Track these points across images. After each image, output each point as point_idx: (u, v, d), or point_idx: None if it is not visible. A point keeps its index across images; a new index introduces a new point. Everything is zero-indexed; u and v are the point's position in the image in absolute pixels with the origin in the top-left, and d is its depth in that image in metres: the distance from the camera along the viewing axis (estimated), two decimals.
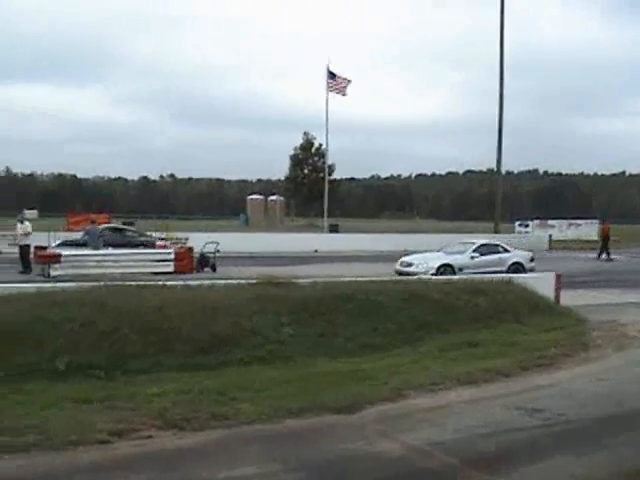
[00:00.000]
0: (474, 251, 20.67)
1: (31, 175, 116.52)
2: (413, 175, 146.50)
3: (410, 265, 19.85)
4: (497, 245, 21.89)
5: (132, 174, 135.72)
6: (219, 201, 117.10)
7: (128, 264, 19.54)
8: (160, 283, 12.35)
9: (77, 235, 25.63)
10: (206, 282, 12.82)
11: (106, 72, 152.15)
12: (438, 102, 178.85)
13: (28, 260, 20.91)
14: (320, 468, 6.19)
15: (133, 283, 12.29)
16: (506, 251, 21.42)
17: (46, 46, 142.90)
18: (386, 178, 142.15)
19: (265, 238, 37.04)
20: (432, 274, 18.23)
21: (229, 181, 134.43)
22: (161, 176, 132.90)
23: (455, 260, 20.10)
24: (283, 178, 79.39)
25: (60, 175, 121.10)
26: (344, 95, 42.16)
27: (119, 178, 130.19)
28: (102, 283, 11.84)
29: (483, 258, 20.45)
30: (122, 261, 19.53)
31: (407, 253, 22.10)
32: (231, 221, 68.02)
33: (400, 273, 18.95)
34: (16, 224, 22.61)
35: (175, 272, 20.26)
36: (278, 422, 7.39)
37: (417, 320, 11.76)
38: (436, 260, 20.09)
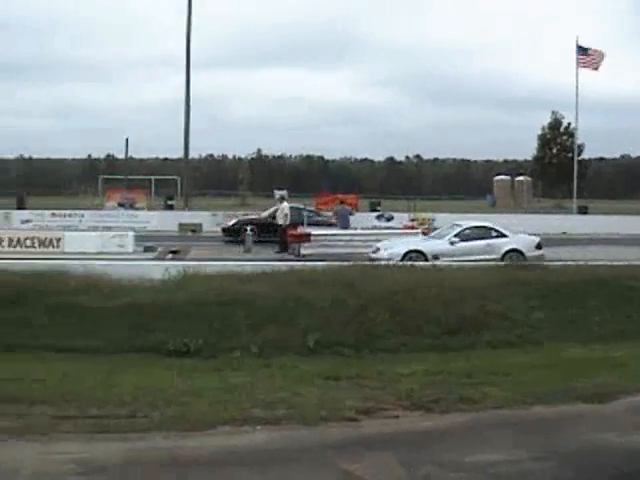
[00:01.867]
0: (456, 235, 18.13)
1: (281, 157, 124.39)
2: None
3: (377, 250, 18.11)
4: (490, 229, 18.79)
5: (378, 155, 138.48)
6: (464, 182, 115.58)
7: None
8: (409, 264, 12.64)
9: (327, 214, 26.84)
10: (454, 264, 12.87)
11: (353, 56, 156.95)
12: None
13: (285, 240, 22.20)
14: (569, 457, 5.90)
15: (382, 262, 12.74)
16: (501, 236, 18.39)
17: (299, 32, 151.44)
18: (638, 157, 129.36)
19: (511, 219, 35.88)
20: (398, 261, 16.15)
21: (475, 161, 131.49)
22: (406, 157, 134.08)
23: (428, 246, 17.89)
24: (530, 158, 76.25)
25: (308, 157, 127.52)
26: (596, 69, 39.34)
27: (365, 159, 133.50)
28: (351, 262, 12.38)
29: (465, 244, 17.80)
30: (370, 241, 20.13)
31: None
32: (476, 202, 66.87)
33: (370, 259, 17.14)
34: (276, 204, 24.43)
35: None
36: (526, 408, 7.20)
37: None
38: (404, 245, 18.12)
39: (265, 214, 26.57)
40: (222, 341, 9.58)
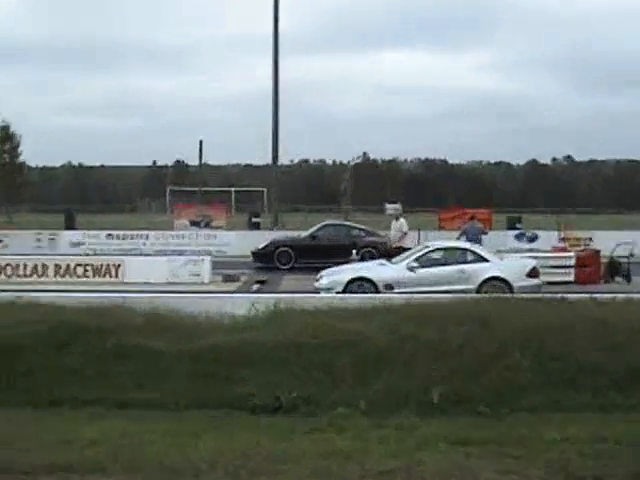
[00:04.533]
0: (417, 260, 17.77)
1: (393, 161, 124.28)
2: None
3: (320, 278, 18.22)
4: (465, 250, 18.38)
5: (517, 157, 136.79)
6: (630, 189, 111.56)
7: None
8: (559, 296, 12.49)
9: (450, 234, 26.74)
10: (620, 295, 12.75)
11: (484, 32, 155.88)
12: None
13: None
14: None
15: (523, 295, 12.62)
16: (480, 259, 17.80)
17: (413, 6, 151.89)
18: None
19: None
20: (338, 292, 16.49)
21: None
22: (554, 159, 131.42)
23: (379, 273, 17.73)
24: None
25: (427, 160, 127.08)
26: None
27: (500, 163, 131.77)
28: (485, 294, 12.37)
29: (428, 271, 17.49)
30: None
31: None
32: None
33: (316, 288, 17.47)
34: (391, 222, 24.79)
35: (577, 282, 20.32)
36: None
37: None
38: (348, 272, 18.32)
39: (307, 234, 27.79)
40: (322, 394, 9.68)
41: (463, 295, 13.63)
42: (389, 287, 17.26)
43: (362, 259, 23.02)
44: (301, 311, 11.68)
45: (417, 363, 10.01)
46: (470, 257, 18.29)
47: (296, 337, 10.54)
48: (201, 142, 40.84)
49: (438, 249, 18.68)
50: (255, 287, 21.19)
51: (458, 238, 24.12)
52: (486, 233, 25.27)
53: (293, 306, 12.00)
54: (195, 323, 11.37)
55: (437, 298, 12.73)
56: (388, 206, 39.84)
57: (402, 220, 24.13)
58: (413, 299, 12.46)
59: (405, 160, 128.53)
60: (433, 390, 9.55)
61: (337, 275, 18.25)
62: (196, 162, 43.73)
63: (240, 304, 12.36)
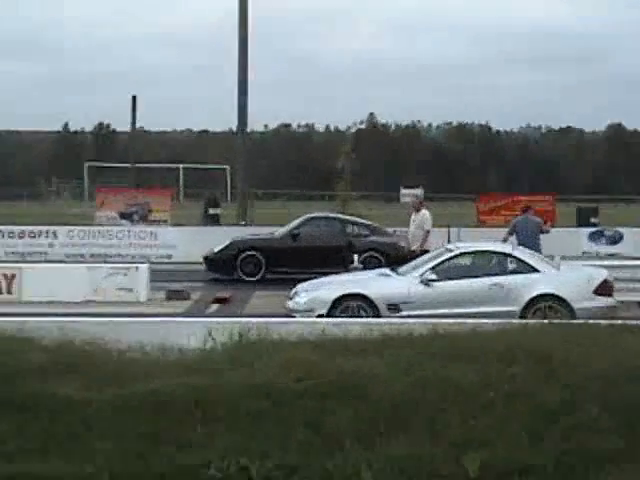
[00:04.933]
0: (434, 268, 17.93)
1: (412, 127, 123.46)
2: None
3: (294, 296, 18.37)
4: (504, 255, 18.40)
5: (592, 122, 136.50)
6: None
7: None
8: None
9: (493, 233, 26.75)
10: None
11: None
12: None
13: None
14: None
15: (601, 322, 12.68)
16: (526, 269, 17.92)
17: None
18: None
19: None
20: (321, 315, 16.75)
21: None
22: None
23: (380, 288, 17.93)
24: None
25: (460, 126, 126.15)
26: None
27: (567, 129, 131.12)
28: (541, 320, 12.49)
29: (450, 284, 17.64)
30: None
31: None
32: None
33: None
34: (411, 214, 24.82)
35: None
36: None
37: None
38: (336, 286, 18.34)
39: (283, 231, 28.28)
40: (310, 463, 9.65)
41: (511, 321, 13.69)
42: (394, 308, 17.36)
43: (364, 268, 23.04)
44: (279, 342, 11.71)
45: (446, 418, 10.00)
46: (511, 265, 18.27)
47: (272, 380, 10.52)
48: (134, 98, 40.75)
49: (464, 254, 18.73)
50: (213, 308, 21.18)
51: (505, 240, 24.05)
52: (547, 231, 25.29)
53: (268, 335, 12.02)
54: (126, 360, 11.36)
55: (474, 324, 12.82)
56: (405, 192, 39.81)
57: (424, 212, 24.11)
58: (439, 325, 12.48)
59: (429, 126, 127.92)
60: (468, 458, 9.55)
61: (319, 291, 18.30)
62: (127, 127, 43.59)
63: (192, 332, 12.36)
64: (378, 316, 16.83)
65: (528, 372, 10.65)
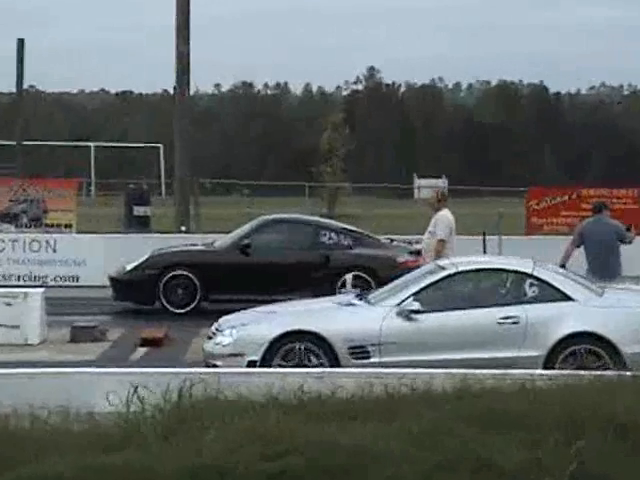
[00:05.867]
0: (417, 294, 17.87)
1: (430, 86, 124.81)
2: None
3: (216, 334, 18.74)
4: (521, 276, 18.16)
5: None
6: None
7: None
8: None
9: (549, 243, 26.92)
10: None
11: None
12: None
13: None
14: None
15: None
16: (554, 296, 17.77)
17: None
18: None
19: None
20: (252, 363, 17.04)
21: None
22: None
23: (340, 322, 18.18)
24: None
25: (500, 86, 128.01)
26: None
27: None
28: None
29: (441, 317, 17.66)
30: None
31: None
32: None
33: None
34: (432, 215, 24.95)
35: None
36: None
37: None
38: (276, 320, 18.64)
39: (229, 240, 28.89)
40: None
41: (571, 372, 13.69)
42: (359, 352, 17.34)
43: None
44: (237, 403, 11.70)
45: None
46: (532, 290, 18.22)
47: (227, 460, 10.51)
48: (21, 42, 40.76)
49: (462, 273, 18.70)
50: (140, 353, 21.26)
51: (568, 255, 24.03)
52: (630, 240, 25.36)
53: (220, 393, 12.01)
54: (8, 431, 11.33)
55: (517, 377, 12.84)
56: (421, 183, 39.88)
57: (443, 214, 24.23)
58: (471, 377, 12.47)
59: (456, 86, 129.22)
60: None
61: (251, 326, 18.33)
62: (12, 87, 43.72)
63: (108, 390, 12.36)
64: (336, 364, 16.85)
65: (598, 446, 10.67)
